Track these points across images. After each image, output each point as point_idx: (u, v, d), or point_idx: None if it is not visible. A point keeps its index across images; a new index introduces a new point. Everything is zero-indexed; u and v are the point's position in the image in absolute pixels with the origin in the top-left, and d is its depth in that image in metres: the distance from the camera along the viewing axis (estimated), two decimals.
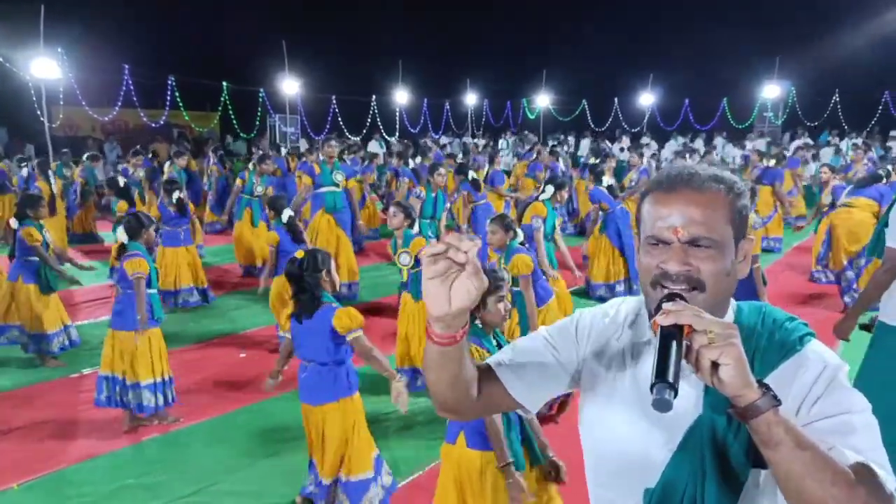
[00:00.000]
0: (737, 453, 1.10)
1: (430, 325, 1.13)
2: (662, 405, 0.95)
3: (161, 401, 4.39)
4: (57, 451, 4.10)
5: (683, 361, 0.99)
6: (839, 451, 1.01)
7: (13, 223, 5.37)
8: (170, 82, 17.57)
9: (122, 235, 4.39)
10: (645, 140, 20.55)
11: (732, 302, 1.23)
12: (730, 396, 0.98)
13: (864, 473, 0.98)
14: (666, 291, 1.11)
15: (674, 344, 0.98)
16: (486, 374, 1.32)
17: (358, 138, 20.63)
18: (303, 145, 19.01)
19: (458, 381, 1.23)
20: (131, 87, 16.92)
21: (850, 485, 0.95)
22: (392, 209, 5.05)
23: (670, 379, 0.95)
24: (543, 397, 1.36)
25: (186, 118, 19.61)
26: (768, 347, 1.16)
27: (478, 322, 2.73)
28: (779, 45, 21.34)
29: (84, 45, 15.25)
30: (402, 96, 23.48)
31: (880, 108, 20.75)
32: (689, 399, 1.15)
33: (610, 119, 25.25)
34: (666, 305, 1.03)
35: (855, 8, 20.54)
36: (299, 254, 3.25)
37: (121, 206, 7.12)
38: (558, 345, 1.34)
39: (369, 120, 22.77)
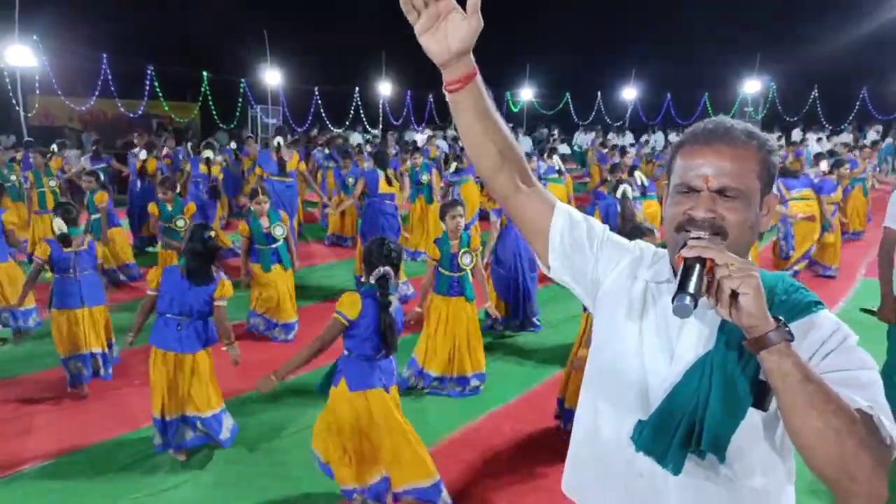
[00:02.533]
0: (741, 389, 1.14)
1: (443, 76, 1.22)
2: (682, 310, 1.03)
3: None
4: (36, 445, 4.02)
5: (703, 300, 1.05)
6: (846, 395, 1.04)
7: None
8: (148, 71, 17.30)
9: (60, 226, 4.68)
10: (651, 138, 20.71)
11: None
12: (745, 327, 1.04)
13: (866, 417, 1.03)
14: (690, 235, 1.17)
15: (696, 266, 1.06)
16: (547, 200, 1.40)
17: (341, 130, 20.50)
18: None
19: (480, 137, 1.30)
20: (109, 77, 16.64)
21: (851, 420, 1.00)
22: (455, 209, 4.73)
23: (691, 290, 1.03)
24: (564, 272, 1.40)
25: (166, 108, 19.31)
26: (784, 303, 1.20)
27: None
28: (759, 41, 21.57)
29: (60, 33, 14.95)
30: (385, 88, 23.36)
31: (858, 103, 21.07)
32: (699, 340, 1.21)
33: (593, 113, 25.35)
34: (691, 241, 1.10)
35: (834, 5, 20.79)
36: (212, 232, 3.93)
37: (99, 197, 7.01)
38: (605, 249, 1.40)
39: (352, 112, 22.63)
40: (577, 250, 1.38)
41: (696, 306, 1.02)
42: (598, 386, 1.35)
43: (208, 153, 9.08)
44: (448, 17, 1.16)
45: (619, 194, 6.39)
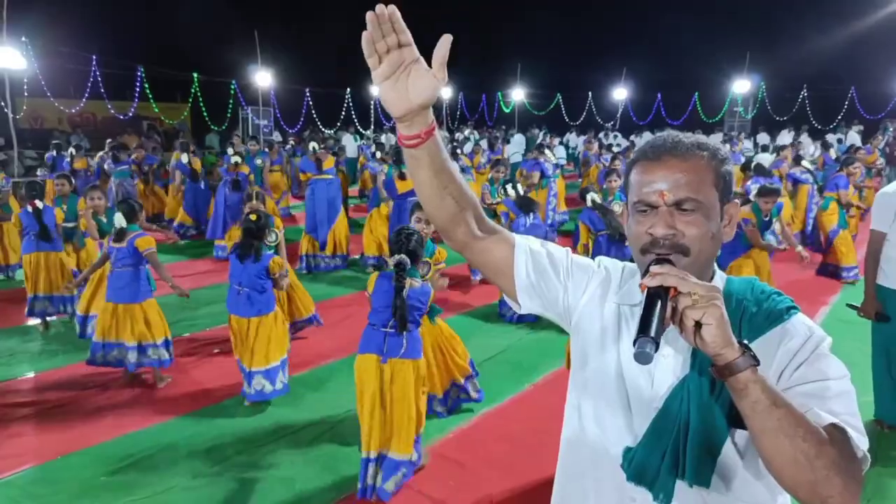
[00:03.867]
0: (718, 414, 1.14)
1: (398, 130, 1.17)
2: (643, 357, 1.00)
3: (167, 356, 5.00)
4: (29, 448, 4.01)
5: (672, 326, 1.04)
6: (815, 413, 1.05)
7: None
8: (138, 73, 17.21)
9: (120, 220, 4.90)
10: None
11: (723, 274, 1.28)
12: (711, 355, 1.03)
13: (836, 434, 1.03)
14: (652, 257, 1.15)
15: (658, 303, 1.03)
16: (505, 240, 1.37)
17: (332, 131, 20.47)
18: (276, 137, 18.82)
19: (438, 191, 1.24)
20: (99, 78, 16.55)
21: (820, 442, 1.00)
22: (418, 213, 4.62)
23: (652, 334, 1.00)
24: (535, 306, 1.38)
25: (156, 110, 19.22)
26: (756, 314, 1.20)
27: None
28: (749, 41, 21.70)
29: (49, 35, 14.85)
30: (376, 89, 23.28)
31: (846, 103, 21.23)
32: (676, 362, 1.21)
33: (584, 113, 25.43)
34: (653, 268, 1.08)
35: (824, 4, 20.94)
36: (253, 216, 4.64)
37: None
38: (572, 276, 1.38)
39: (343, 113, 22.60)
40: (545, 282, 1.36)
41: (657, 349, 1.01)
42: (582, 408, 1.34)
43: (236, 158, 9.72)
44: (410, 68, 1.10)
45: (588, 203, 6.50)
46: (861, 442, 1.05)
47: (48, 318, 6.28)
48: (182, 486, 3.61)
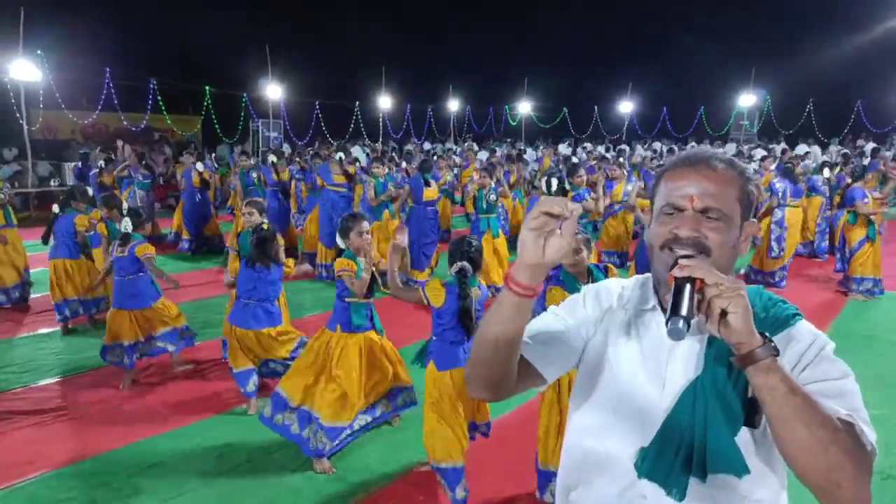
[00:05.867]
0: (734, 403, 1.20)
1: (513, 276, 1.19)
2: (676, 333, 1.07)
3: (183, 343, 5.35)
4: (42, 454, 4.07)
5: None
6: (827, 405, 1.11)
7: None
8: (151, 85, 17.44)
9: (127, 225, 5.05)
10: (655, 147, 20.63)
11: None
12: (733, 344, 1.09)
13: (848, 425, 1.10)
14: (676, 253, 1.22)
15: (687, 287, 1.10)
16: (524, 363, 1.38)
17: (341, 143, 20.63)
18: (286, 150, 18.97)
19: (516, 349, 1.28)
20: (112, 90, 16.78)
21: (835, 430, 1.06)
22: (360, 225, 4.01)
23: (683, 313, 1.07)
24: (563, 369, 1.42)
25: (168, 122, 19.44)
26: (763, 320, 1.26)
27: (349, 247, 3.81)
28: (754, 55, 21.77)
29: (64, 47, 15.11)
30: (385, 102, 23.52)
31: (853, 116, 21.21)
32: (692, 352, 1.27)
33: (591, 126, 25.52)
34: (682, 261, 1.15)
35: (829, 18, 21.00)
36: (265, 225, 4.73)
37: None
38: (569, 316, 1.43)
39: (352, 126, 22.79)
40: (561, 344, 1.40)
41: (689, 328, 1.07)
42: (592, 411, 1.38)
43: (272, 158, 10.04)
44: (554, 233, 1.17)
45: (553, 187, 6.75)
46: (870, 434, 1.11)
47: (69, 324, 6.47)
48: (192, 493, 3.66)
